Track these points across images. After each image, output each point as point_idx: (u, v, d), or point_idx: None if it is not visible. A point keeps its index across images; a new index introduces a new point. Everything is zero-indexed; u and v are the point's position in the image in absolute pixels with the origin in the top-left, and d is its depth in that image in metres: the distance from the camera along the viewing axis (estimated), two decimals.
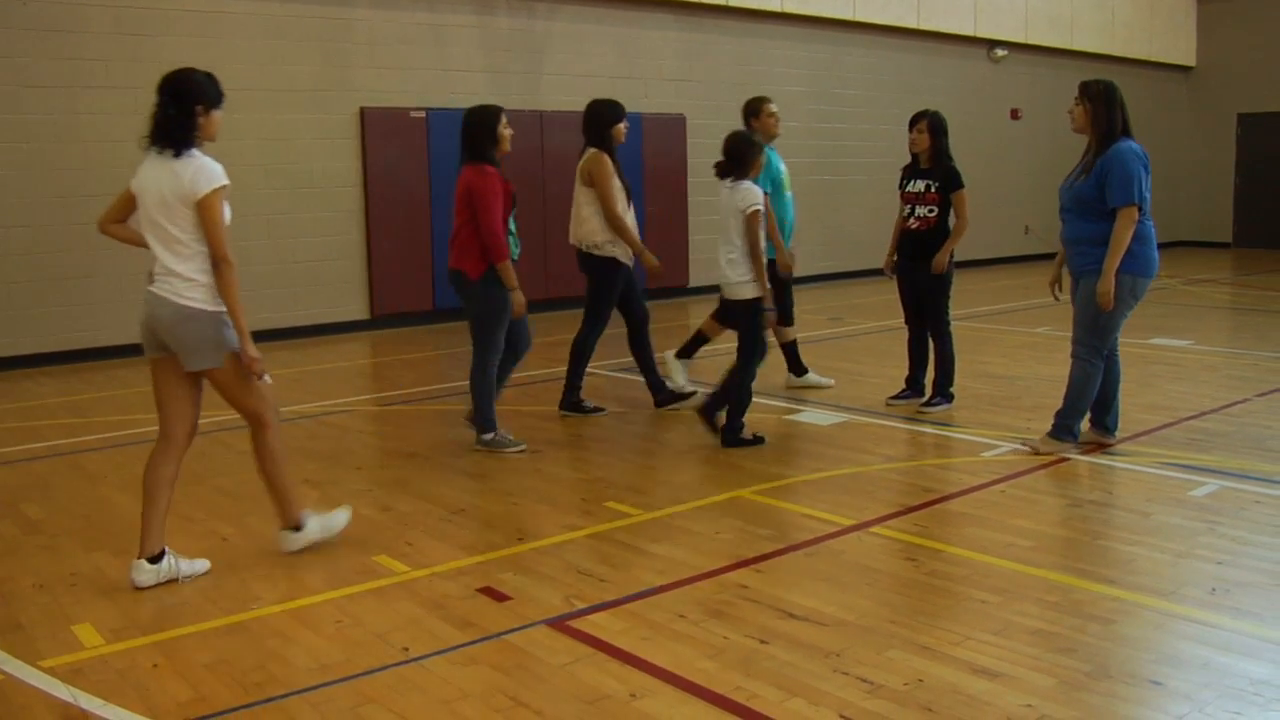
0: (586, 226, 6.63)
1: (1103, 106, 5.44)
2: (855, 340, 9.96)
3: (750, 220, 5.82)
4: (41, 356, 9.33)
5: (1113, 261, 5.34)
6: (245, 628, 3.73)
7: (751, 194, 5.86)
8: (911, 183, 6.79)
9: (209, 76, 4.06)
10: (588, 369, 6.92)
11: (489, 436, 6.02)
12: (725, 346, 6.07)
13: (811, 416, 6.77)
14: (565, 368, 6.91)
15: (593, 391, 7.16)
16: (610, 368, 8.29)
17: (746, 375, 6.01)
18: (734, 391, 6.04)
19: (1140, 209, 5.37)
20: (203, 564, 4.24)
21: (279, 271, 10.49)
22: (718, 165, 5.95)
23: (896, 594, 3.93)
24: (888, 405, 6.97)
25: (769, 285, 6.01)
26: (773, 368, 6.31)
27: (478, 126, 5.85)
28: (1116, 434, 5.89)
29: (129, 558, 4.16)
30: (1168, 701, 3.09)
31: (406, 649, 3.51)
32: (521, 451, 5.99)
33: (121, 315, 9.63)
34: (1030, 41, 17.42)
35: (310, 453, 6.11)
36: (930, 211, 6.68)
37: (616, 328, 6.94)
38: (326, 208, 10.85)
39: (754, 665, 3.33)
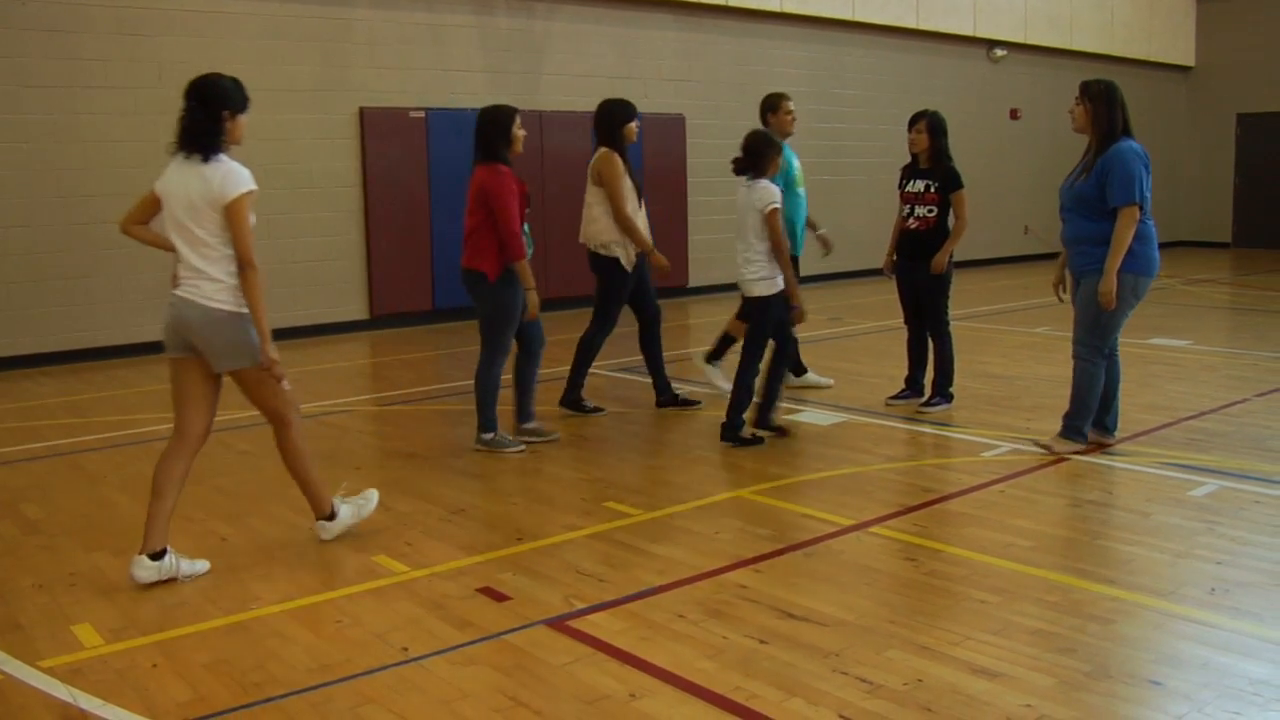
0: (596, 226, 6.63)
1: (1103, 106, 5.44)
2: (854, 340, 9.96)
3: (770, 218, 5.85)
4: (41, 356, 9.33)
5: (1114, 261, 5.34)
6: (245, 628, 3.73)
7: (770, 192, 5.88)
8: (911, 183, 6.79)
9: (235, 82, 4.14)
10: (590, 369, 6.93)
11: (489, 436, 6.02)
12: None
13: (811, 416, 6.77)
14: (564, 368, 6.92)
15: (593, 391, 7.16)
16: (610, 368, 8.29)
17: (749, 373, 6.02)
18: (772, 389, 6.10)
19: (1141, 208, 5.37)
20: (203, 564, 4.25)
21: (278, 271, 10.47)
22: (735, 161, 5.97)
23: (896, 594, 3.94)
24: (887, 405, 6.97)
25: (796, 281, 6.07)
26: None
27: (492, 126, 5.84)
28: (1116, 434, 5.89)
29: (128, 558, 4.16)
30: (1167, 701, 3.09)
31: (406, 649, 3.51)
32: (521, 451, 6.00)
33: (121, 315, 9.64)
34: (1029, 41, 17.43)
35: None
36: (929, 211, 6.68)
37: (624, 327, 6.95)
38: (326, 208, 10.85)
39: (753, 665, 3.34)
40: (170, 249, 4.13)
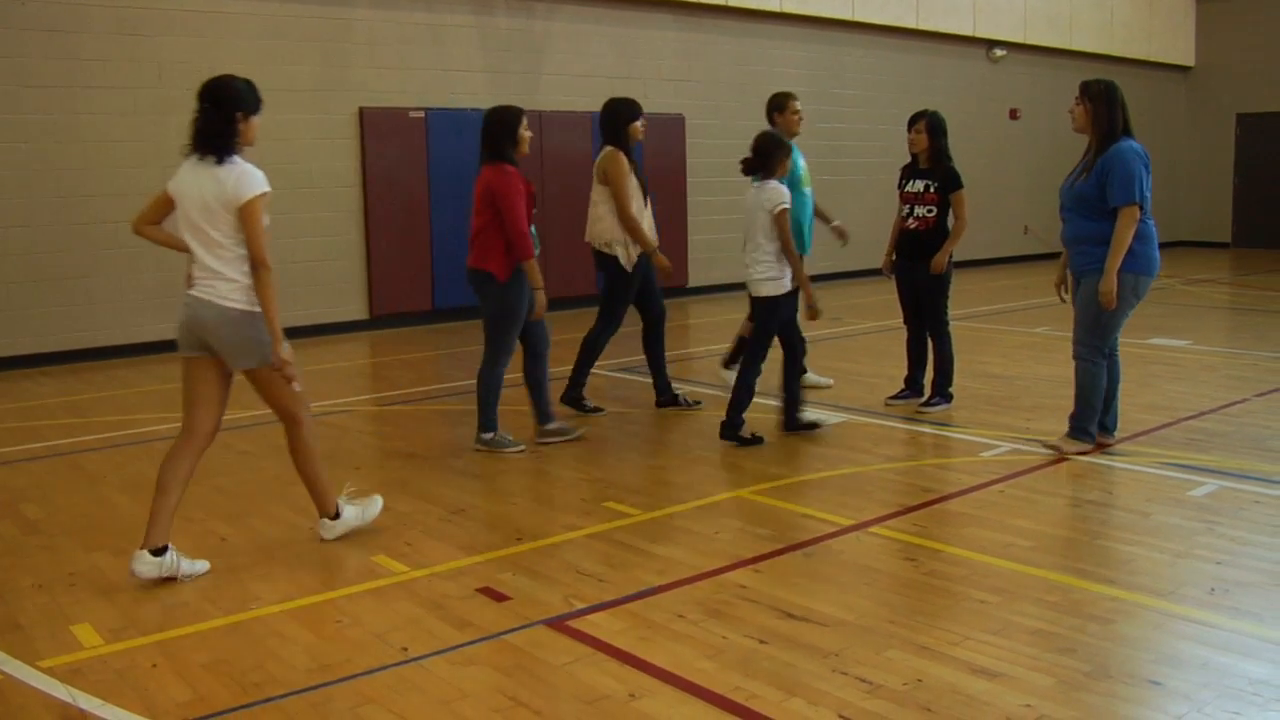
0: (600, 225, 6.64)
1: (1103, 106, 5.44)
2: (854, 340, 9.96)
3: (779, 219, 5.86)
4: (41, 356, 9.33)
5: (1114, 261, 5.34)
6: (244, 628, 3.73)
7: (778, 193, 5.89)
8: (910, 183, 6.79)
9: (248, 84, 4.17)
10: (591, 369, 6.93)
11: (489, 436, 6.02)
12: (774, 354, 6.13)
13: (811, 416, 6.76)
14: (566, 368, 6.91)
15: (593, 391, 7.16)
16: (610, 368, 8.29)
17: (751, 372, 6.03)
18: (791, 390, 6.14)
19: (1141, 208, 5.37)
20: (203, 564, 4.25)
21: (278, 271, 10.34)
22: (744, 162, 5.97)
23: (895, 594, 3.94)
24: (887, 405, 6.97)
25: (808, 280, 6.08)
26: (772, 368, 6.31)
27: (499, 126, 5.84)
28: (1116, 434, 5.89)
29: (128, 558, 4.16)
30: (1167, 701, 3.09)
31: (406, 649, 3.51)
32: (521, 451, 5.99)
33: (121, 315, 9.64)
34: (1029, 41, 17.43)
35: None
36: (929, 211, 6.68)
37: (629, 326, 6.95)
38: (326, 208, 10.85)
39: (753, 665, 3.34)
40: (182, 249, 4.16)
